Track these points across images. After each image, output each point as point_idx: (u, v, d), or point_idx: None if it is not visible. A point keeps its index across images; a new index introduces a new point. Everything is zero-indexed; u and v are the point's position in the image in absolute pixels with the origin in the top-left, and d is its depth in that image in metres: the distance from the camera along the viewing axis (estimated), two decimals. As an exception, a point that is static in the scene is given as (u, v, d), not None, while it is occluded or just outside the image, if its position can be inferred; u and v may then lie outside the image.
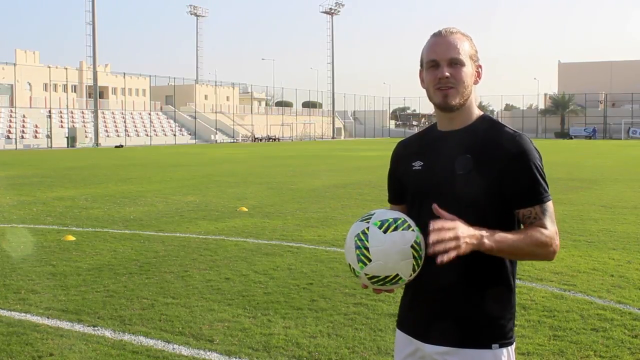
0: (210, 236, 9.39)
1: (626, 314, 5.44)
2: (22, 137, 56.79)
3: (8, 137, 55.51)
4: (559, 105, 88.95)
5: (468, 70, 2.08)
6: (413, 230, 2.00)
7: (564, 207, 12.11)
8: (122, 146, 56.45)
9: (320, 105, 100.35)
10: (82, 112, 65.92)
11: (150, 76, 77.51)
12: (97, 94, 62.68)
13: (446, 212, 1.91)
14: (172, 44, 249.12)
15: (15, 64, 64.29)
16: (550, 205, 2.04)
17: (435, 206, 1.90)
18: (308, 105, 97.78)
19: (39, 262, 7.57)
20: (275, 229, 9.98)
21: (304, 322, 5.24)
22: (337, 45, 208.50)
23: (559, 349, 4.62)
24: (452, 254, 1.83)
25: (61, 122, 61.91)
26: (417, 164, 2.17)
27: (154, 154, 41.09)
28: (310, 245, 8.65)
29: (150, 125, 68.97)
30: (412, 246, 1.97)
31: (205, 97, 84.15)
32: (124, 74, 75.60)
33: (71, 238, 9.05)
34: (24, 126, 58.62)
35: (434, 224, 1.85)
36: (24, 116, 59.80)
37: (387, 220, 1.99)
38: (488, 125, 2.12)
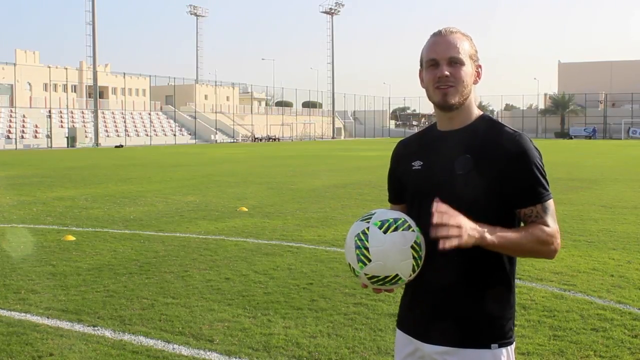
0: (210, 236, 9.39)
1: (626, 314, 5.44)
2: (22, 137, 56.81)
3: (8, 137, 55.52)
4: (559, 105, 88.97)
5: (468, 70, 2.08)
6: (413, 230, 2.00)
7: (564, 207, 12.11)
8: (122, 146, 56.46)
9: (320, 105, 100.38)
10: (82, 112, 65.93)
11: (150, 76, 77.57)
12: (97, 94, 62.69)
13: None
14: (172, 44, 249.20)
15: (15, 64, 64.30)
16: (551, 203, 2.04)
17: (437, 199, 1.90)
18: (308, 105, 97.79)
19: (39, 262, 7.57)
20: (275, 229, 9.98)
21: (304, 322, 5.24)
22: (337, 45, 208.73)
23: (559, 349, 4.62)
24: (454, 242, 1.83)
25: (61, 122, 61.92)
26: (417, 164, 2.17)
27: (154, 154, 41.09)
28: (310, 245, 8.65)
29: (150, 125, 68.98)
30: (412, 247, 1.97)
31: (205, 97, 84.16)
32: (124, 74, 75.62)
33: (71, 238, 9.05)
34: (24, 126, 58.63)
35: (438, 207, 1.85)
36: (24, 116, 59.81)
37: (388, 221, 1.99)
38: (488, 125, 2.12)
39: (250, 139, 75.78)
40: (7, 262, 7.56)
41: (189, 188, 16.95)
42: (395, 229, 1.98)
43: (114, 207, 12.81)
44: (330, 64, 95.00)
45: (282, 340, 4.79)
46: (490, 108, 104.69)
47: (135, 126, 68.86)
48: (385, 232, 1.97)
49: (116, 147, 55.11)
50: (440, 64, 2.06)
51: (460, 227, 1.85)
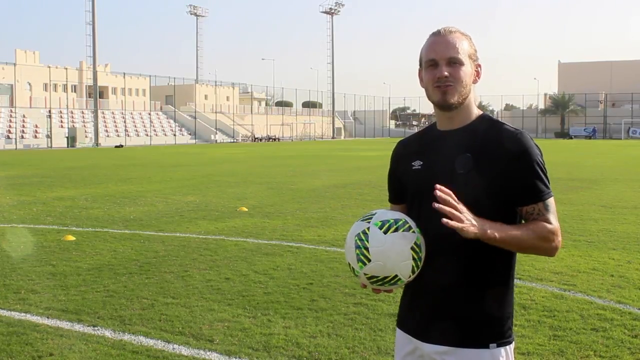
0: (210, 236, 9.39)
1: (626, 314, 5.44)
2: (22, 137, 56.81)
3: (8, 137, 55.53)
4: (559, 105, 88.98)
5: (467, 70, 2.08)
6: (413, 231, 2.00)
7: (564, 207, 12.11)
8: (122, 146, 56.46)
9: (320, 105, 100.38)
10: (82, 112, 65.94)
11: (150, 76, 77.59)
12: (97, 94, 62.69)
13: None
14: (172, 44, 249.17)
15: (15, 64, 64.30)
16: (552, 201, 2.05)
17: (438, 187, 1.90)
18: (308, 105, 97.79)
19: (39, 262, 7.57)
20: (275, 229, 9.98)
21: (304, 322, 5.24)
22: (337, 45, 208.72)
23: (559, 349, 4.62)
24: (457, 225, 1.83)
25: (61, 122, 61.92)
26: (417, 164, 2.17)
27: (154, 154, 41.09)
28: (310, 245, 8.65)
29: (150, 125, 68.98)
30: (412, 247, 1.97)
31: (205, 97, 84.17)
32: (124, 74, 75.62)
33: (71, 238, 9.05)
34: (24, 126, 58.63)
35: (443, 189, 1.87)
36: (24, 116, 59.82)
37: (388, 221, 1.99)
38: (488, 124, 2.12)
39: (250, 139, 75.78)
40: (7, 262, 7.56)
41: (189, 188, 16.95)
42: (396, 230, 1.98)
43: (114, 207, 12.81)
44: (330, 64, 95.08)
45: (282, 340, 4.79)
46: (490, 108, 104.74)
47: (135, 126, 68.87)
48: (385, 232, 1.97)
49: (116, 147, 55.12)
50: (440, 64, 2.06)
51: (461, 212, 1.87)
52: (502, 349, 2.06)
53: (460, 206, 1.88)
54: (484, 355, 2.04)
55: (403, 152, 2.28)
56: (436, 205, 1.84)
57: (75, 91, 71.42)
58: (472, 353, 2.05)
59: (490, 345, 2.05)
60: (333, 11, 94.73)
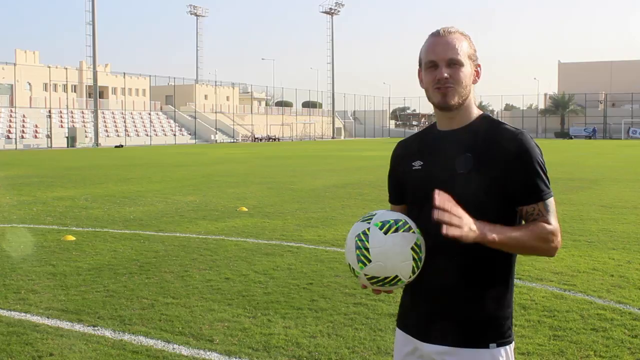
0: (210, 236, 9.39)
1: (626, 314, 5.44)
2: (22, 137, 56.80)
3: (8, 137, 55.52)
4: (559, 105, 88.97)
5: (467, 71, 2.08)
6: (414, 232, 2.00)
7: (564, 207, 12.11)
8: (122, 146, 56.46)
9: (320, 105, 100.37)
10: (82, 112, 65.93)
11: (150, 76, 77.57)
12: (97, 94, 62.68)
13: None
14: (172, 44, 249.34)
15: (15, 64, 64.29)
16: (552, 201, 2.05)
17: (437, 191, 1.89)
18: (308, 105, 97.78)
19: (39, 262, 7.57)
20: (275, 229, 9.98)
21: (304, 322, 5.24)
22: (337, 45, 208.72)
23: (559, 349, 4.62)
24: (456, 232, 1.83)
25: (61, 122, 61.92)
26: (417, 164, 2.17)
27: (154, 154, 41.09)
28: (310, 245, 8.65)
29: (150, 125, 68.98)
30: (412, 248, 1.97)
31: (205, 97, 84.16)
32: (124, 74, 75.59)
33: (71, 238, 9.05)
34: (24, 126, 58.62)
35: (441, 195, 1.85)
36: (24, 116, 59.81)
37: (388, 222, 1.99)
38: (488, 124, 2.12)
39: (250, 139, 75.77)
40: (7, 262, 7.56)
41: (189, 188, 16.95)
42: (396, 230, 1.98)
43: (114, 207, 12.81)
44: (330, 64, 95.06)
45: (282, 340, 4.79)
46: (490, 108, 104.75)
47: (135, 126, 68.86)
48: (385, 233, 1.97)
49: (116, 147, 55.12)
50: (439, 66, 2.06)
51: (461, 218, 1.86)
52: (502, 349, 2.06)
53: (460, 211, 1.87)
54: (484, 356, 2.04)
55: (403, 153, 2.28)
56: (435, 216, 1.84)
57: (75, 91, 71.42)
58: (472, 353, 2.05)
59: (490, 345, 2.05)
60: (333, 11, 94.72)
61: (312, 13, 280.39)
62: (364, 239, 1.98)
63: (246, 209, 12.28)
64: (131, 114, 70.42)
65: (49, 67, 65.71)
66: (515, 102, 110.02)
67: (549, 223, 2.01)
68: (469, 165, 2.04)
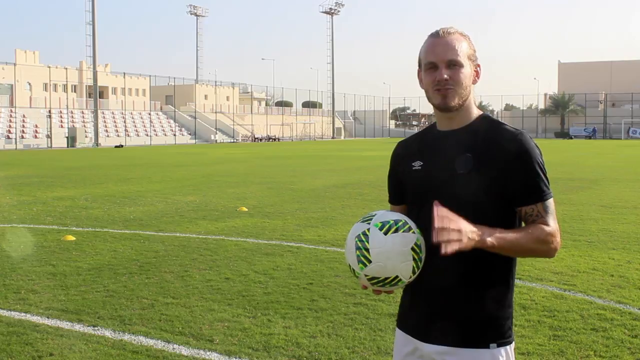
0: (210, 236, 9.39)
1: (626, 314, 5.44)
2: (22, 137, 56.80)
3: (8, 137, 55.52)
4: (559, 105, 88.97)
5: (466, 71, 2.08)
6: (414, 232, 2.00)
7: (564, 207, 12.12)
8: (122, 146, 56.46)
9: (320, 105, 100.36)
10: (82, 112, 65.93)
11: (150, 76, 77.57)
12: (97, 94, 62.68)
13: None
14: (172, 44, 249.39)
15: (15, 64, 64.29)
16: (551, 202, 2.05)
17: (436, 202, 1.90)
18: (308, 105, 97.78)
19: (39, 262, 7.57)
20: (275, 229, 9.98)
21: (304, 322, 5.24)
22: (337, 45, 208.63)
23: (559, 349, 4.62)
24: (455, 247, 1.83)
25: (61, 122, 61.91)
26: (417, 164, 2.17)
27: (154, 154, 41.09)
28: (310, 245, 8.65)
29: (150, 125, 68.97)
30: (412, 248, 1.97)
31: (205, 97, 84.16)
32: (124, 74, 75.59)
33: (71, 238, 9.05)
34: (24, 126, 58.62)
35: (439, 211, 1.85)
36: (24, 116, 59.80)
37: (388, 222, 1.99)
38: (488, 124, 2.12)
39: (250, 139, 75.78)
40: (7, 262, 7.56)
41: (189, 188, 16.95)
42: (396, 231, 1.97)
43: (114, 207, 12.81)
44: (330, 64, 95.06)
45: (282, 340, 4.79)
46: (490, 108, 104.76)
47: (135, 126, 68.86)
48: (385, 233, 1.97)
49: (116, 147, 55.11)
50: (439, 67, 2.06)
51: (460, 231, 1.85)
52: (502, 349, 2.06)
53: (458, 224, 1.86)
54: (484, 356, 2.04)
55: (403, 153, 2.28)
56: (434, 238, 1.83)
57: (75, 91, 71.41)
58: (472, 353, 2.05)
59: (491, 345, 2.05)
60: (333, 11, 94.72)
61: (312, 13, 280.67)
62: (364, 239, 1.98)
63: (246, 209, 12.28)
64: (131, 114, 70.42)
65: (49, 67, 65.71)
66: (515, 102, 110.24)
67: (547, 225, 2.01)
68: (468, 166, 2.04)
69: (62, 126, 60.84)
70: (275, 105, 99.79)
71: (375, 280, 1.99)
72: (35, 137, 58.20)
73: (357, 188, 16.65)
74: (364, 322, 5.23)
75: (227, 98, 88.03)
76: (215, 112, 77.52)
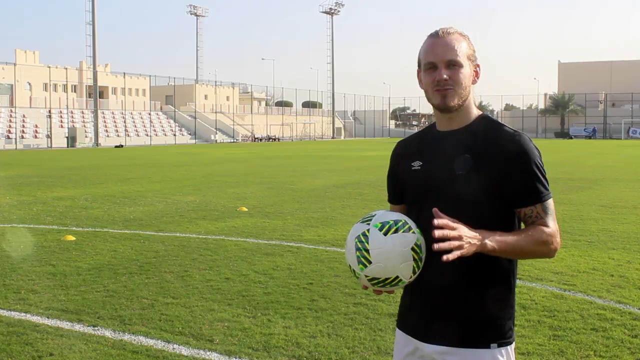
0: (210, 236, 9.39)
1: (626, 314, 5.44)
2: (22, 137, 56.80)
3: (8, 137, 55.52)
4: (559, 105, 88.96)
5: (466, 72, 2.07)
6: (414, 232, 1.99)
7: (564, 207, 12.12)
8: (122, 146, 56.46)
9: (320, 105, 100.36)
10: (82, 112, 65.93)
11: (150, 76, 77.57)
12: (97, 94, 62.68)
13: (446, 212, 1.91)
14: (172, 44, 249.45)
15: (15, 64, 64.28)
16: (551, 202, 2.05)
17: (435, 210, 1.90)
18: (308, 105, 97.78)
19: (39, 262, 7.57)
20: (275, 229, 9.98)
21: (304, 322, 5.24)
22: (337, 45, 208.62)
23: (559, 349, 4.63)
24: (457, 253, 1.84)
25: (61, 122, 61.91)
26: (416, 164, 2.17)
27: (154, 154, 41.09)
28: (310, 245, 8.65)
29: (150, 125, 68.97)
30: (412, 248, 1.97)
31: (205, 97, 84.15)
32: (124, 74, 75.59)
33: (71, 238, 9.05)
34: (24, 126, 58.62)
35: (439, 221, 1.85)
36: (24, 116, 59.80)
37: (388, 222, 1.99)
38: (487, 125, 2.12)
39: (250, 139, 75.77)
40: (7, 262, 7.56)
41: (189, 188, 16.95)
42: (396, 231, 1.97)
43: (114, 207, 12.81)
44: (330, 64, 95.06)
45: (282, 340, 4.79)
46: (490, 108, 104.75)
47: (135, 126, 68.86)
48: (385, 234, 1.97)
49: (116, 147, 55.11)
50: (439, 67, 2.06)
51: (461, 238, 1.86)
52: (502, 349, 2.06)
53: (458, 231, 1.86)
54: (485, 356, 2.04)
55: (402, 153, 2.28)
56: (435, 246, 1.84)
57: (75, 91, 71.41)
58: (472, 353, 2.05)
59: (491, 345, 2.05)
60: (333, 11, 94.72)
61: (312, 13, 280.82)
62: (363, 240, 1.98)
63: (246, 209, 12.28)
64: (131, 114, 70.42)
65: (49, 67, 65.71)
66: (515, 102, 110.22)
67: (547, 225, 2.01)
68: (468, 166, 2.04)
69: (62, 126, 60.84)
70: (275, 105, 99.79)
71: (376, 281, 1.99)
72: (35, 137, 58.21)
73: (357, 188, 16.65)
74: (364, 322, 5.23)
75: (227, 98, 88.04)
76: (215, 112, 77.51)
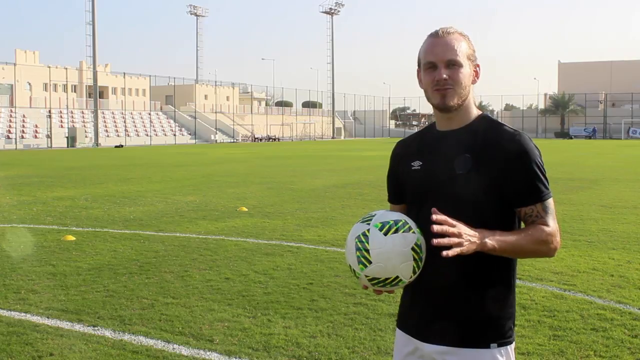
0: (210, 236, 9.39)
1: (626, 314, 5.44)
2: (22, 137, 56.80)
3: (8, 137, 55.51)
4: (559, 105, 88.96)
5: (466, 71, 2.08)
6: (414, 232, 1.99)
7: (564, 207, 12.12)
8: (122, 146, 56.46)
9: (320, 105, 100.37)
10: (82, 112, 65.93)
11: (150, 76, 77.56)
12: (97, 94, 62.68)
13: (446, 212, 1.91)
14: (172, 44, 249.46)
15: (15, 64, 64.28)
16: (551, 202, 2.05)
17: (434, 209, 1.90)
18: (308, 105, 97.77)
19: (39, 262, 7.57)
20: (275, 229, 9.98)
21: (304, 322, 5.24)
22: (337, 45, 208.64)
23: (559, 349, 4.63)
24: (457, 250, 1.84)
25: (61, 122, 61.91)
26: (416, 164, 2.17)
27: (154, 154, 41.09)
28: (310, 245, 8.65)
29: (150, 125, 68.97)
30: (412, 248, 1.97)
31: (205, 97, 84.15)
32: (124, 74, 75.59)
33: (71, 238, 9.05)
34: (24, 126, 58.62)
35: (438, 217, 1.86)
36: (24, 116, 59.80)
37: (388, 222, 1.99)
38: (487, 124, 2.12)
39: (250, 139, 75.77)
40: (7, 262, 7.56)
41: (189, 188, 16.95)
42: (396, 231, 1.97)
43: (114, 207, 12.81)
44: (330, 64, 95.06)
45: (282, 340, 4.79)
46: (490, 108, 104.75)
47: (135, 126, 68.86)
48: (385, 234, 1.97)
49: (116, 147, 55.11)
50: (439, 67, 2.06)
51: (460, 235, 1.86)
52: (502, 349, 2.06)
53: (458, 228, 1.87)
54: (485, 356, 2.04)
55: (402, 152, 2.28)
56: (434, 241, 1.84)
57: (75, 91, 71.41)
58: (472, 353, 2.05)
59: (492, 345, 2.05)
60: (333, 11, 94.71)
61: (312, 13, 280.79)
62: (364, 240, 1.98)
63: (246, 209, 12.28)
64: (131, 114, 70.41)
65: (49, 67, 65.70)
66: (515, 102, 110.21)
67: (547, 225, 2.01)
68: (468, 166, 2.04)
69: (62, 126, 60.84)
70: (275, 105, 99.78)
71: (376, 281, 1.99)
72: (35, 137, 58.21)
73: (357, 188, 16.65)
74: (364, 322, 5.23)
75: (227, 98, 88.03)
76: (215, 112, 77.51)
